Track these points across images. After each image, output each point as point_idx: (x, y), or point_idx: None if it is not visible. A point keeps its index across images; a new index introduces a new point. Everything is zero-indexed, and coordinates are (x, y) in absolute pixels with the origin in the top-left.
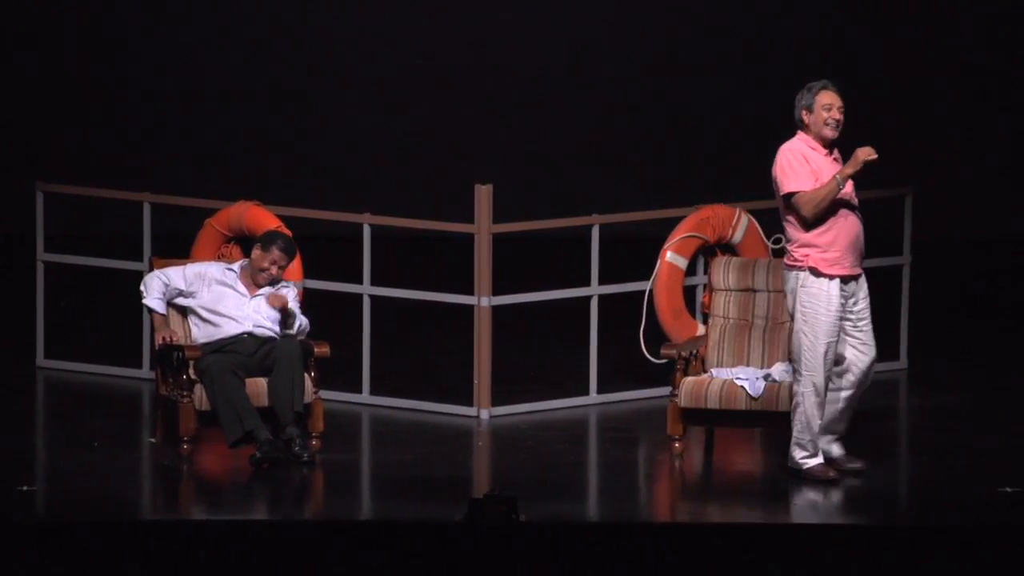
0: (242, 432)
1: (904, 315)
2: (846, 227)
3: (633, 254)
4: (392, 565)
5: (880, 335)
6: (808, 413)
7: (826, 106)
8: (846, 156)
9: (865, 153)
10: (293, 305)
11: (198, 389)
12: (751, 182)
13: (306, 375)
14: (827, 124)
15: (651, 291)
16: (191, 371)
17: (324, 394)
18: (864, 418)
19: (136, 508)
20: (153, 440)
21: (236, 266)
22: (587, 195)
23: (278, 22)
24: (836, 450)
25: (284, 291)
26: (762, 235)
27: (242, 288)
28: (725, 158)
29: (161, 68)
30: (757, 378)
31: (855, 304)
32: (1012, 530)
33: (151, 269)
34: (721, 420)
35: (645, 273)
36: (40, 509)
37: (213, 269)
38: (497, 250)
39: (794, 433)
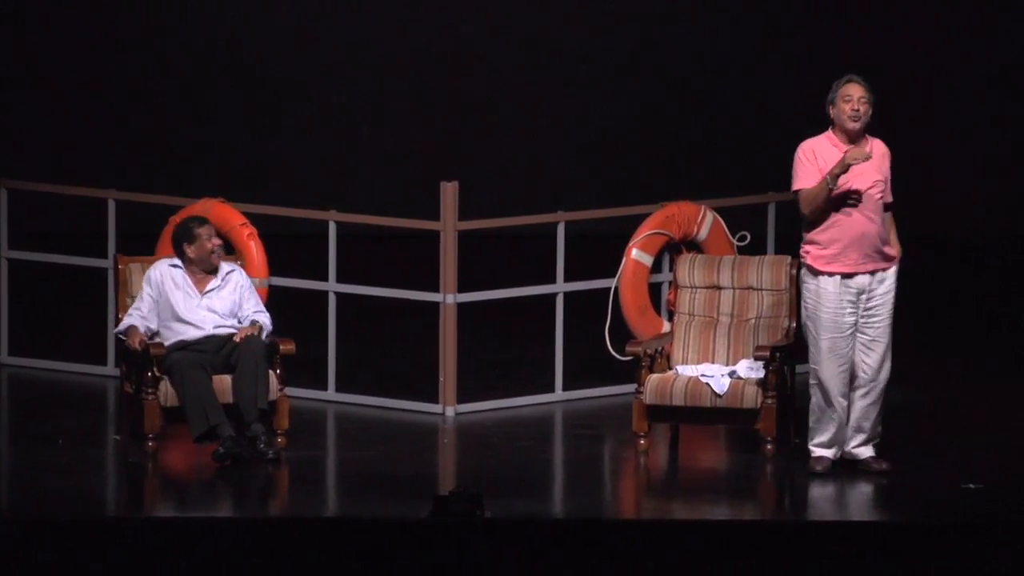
0: (207, 427)
1: None
2: (849, 225)
3: (599, 251)
4: (357, 562)
5: None
6: (817, 405)
7: (847, 97)
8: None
9: (851, 155)
10: (258, 314)
11: (163, 386)
12: (716, 180)
13: (271, 372)
14: (849, 116)
15: (617, 288)
16: (156, 368)
17: (289, 391)
18: None
19: (101, 505)
20: (118, 437)
21: (179, 262)
22: (553, 192)
23: (244, 19)
24: (864, 452)
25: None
26: (727, 232)
27: (192, 288)
28: (691, 156)
29: (126, 66)
30: (722, 375)
31: (869, 301)
32: (975, 527)
33: (116, 266)
34: (686, 417)
35: (611, 270)
36: (4, 506)
37: (160, 273)
38: (463, 247)
39: (810, 423)
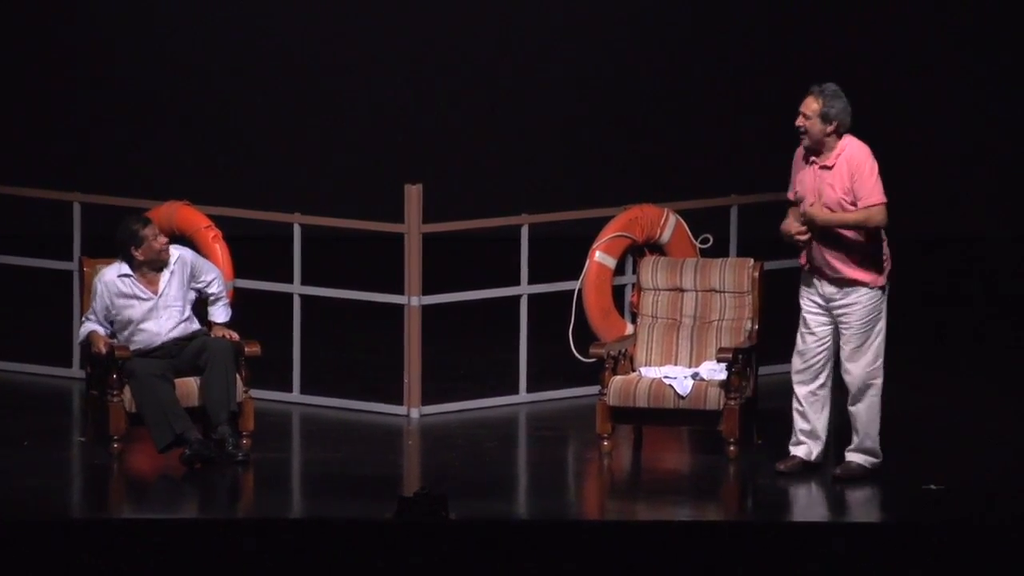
0: (173, 436)
1: None
2: (812, 243)
3: (562, 254)
4: (322, 563)
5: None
6: (792, 396)
7: (798, 112)
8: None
9: (784, 229)
10: (218, 291)
11: (128, 388)
12: (679, 183)
13: (237, 374)
14: (799, 131)
15: (580, 290)
16: (120, 371)
17: (254, 393)
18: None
19: (66, 507)
20: (83, 439)
21: (127, 268)
22: (517, 195)
23: (210, 20)
24: (852, 456)
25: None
26: (690, 235)
27: (144, 291)
28: (654, 159)
29: (91, 67)
30: (685, 377)
31: (836, 311)
32: (934, 527)
33: (81, 269)
34: (649, 419)
35: (574, 273)
36: None
37: (107, 284)
38: (427, 250)
39: None
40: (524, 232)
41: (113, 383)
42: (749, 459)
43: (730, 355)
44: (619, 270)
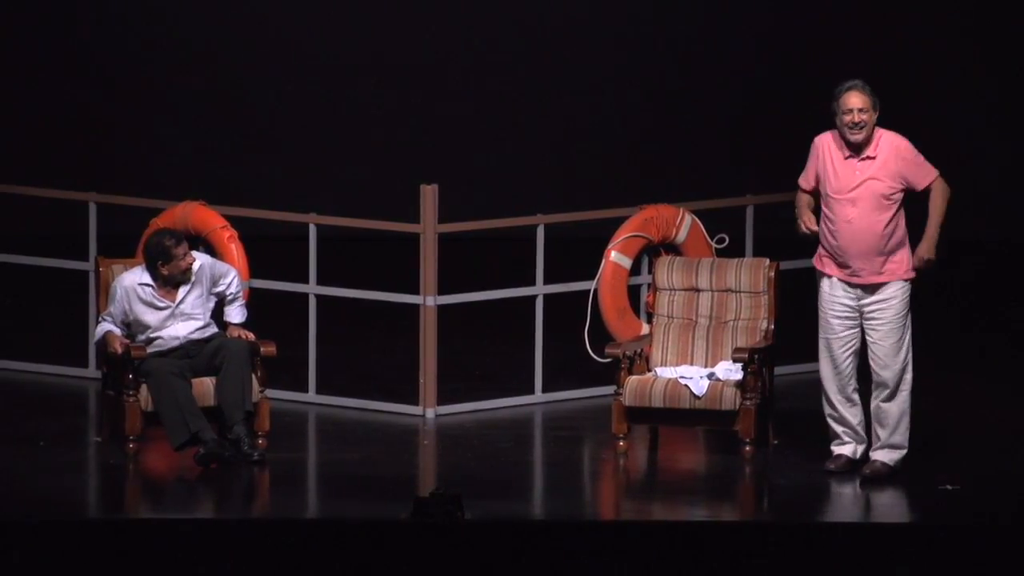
0: (188, 435)
1: None
2: (845, 234)
3: (578, 254)
4: (337, 563)
5: None
6: (824, 403)
7: (846, 110)
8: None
9: (804, 227)
10: (235, 296)
11: (144, 388)
12: (695, 182)
13: (252, 374)
14: (848, 129)
15: (596, 291)
16: (137, 371)
17: (270, 393)
18: (808, 415)
19: (82, 507)
20: (99, 439)
21: (147, 277)
22: (532, 195)
23: (227, 21)
24: (874, 453)
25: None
26: (705, 235)
27: (162, 300)
28: (670, 159)
29: (107, 68)
30: (701, 377)
31: (865, 306)
32: (956, 529)
33: (97, 269)
34: (665, 419)
35: (590, 273)
36: None
37: (127, 289)
38: (443, 250)
39: None
40: (540, 232)
41: (129, 383)
42: (765, 459)
43: (746, 355)
44: (635, 270)
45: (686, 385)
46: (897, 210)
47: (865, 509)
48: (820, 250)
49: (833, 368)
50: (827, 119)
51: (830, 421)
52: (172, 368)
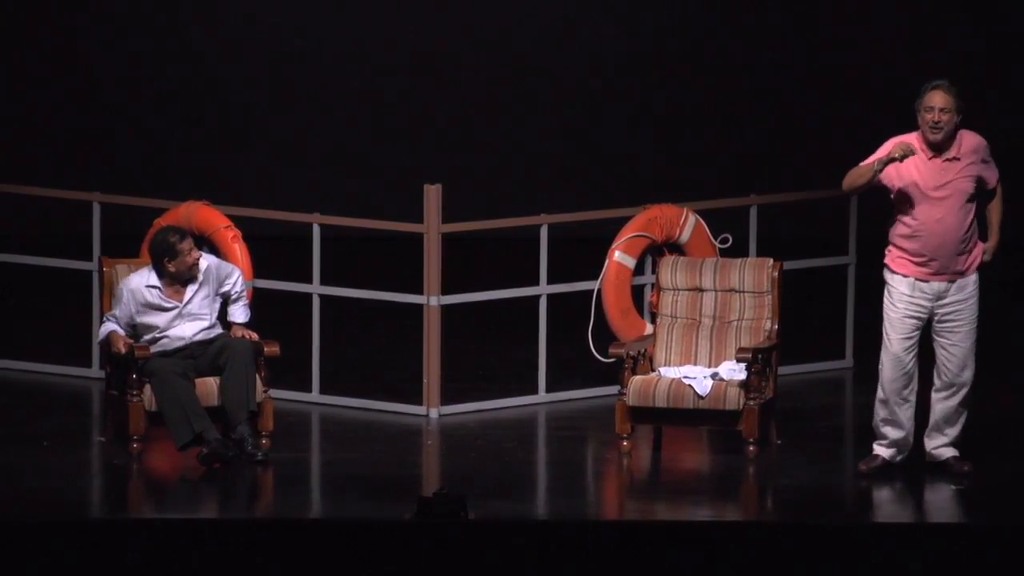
0: (192, 434)
1: (849, 314)
2: (936, 233)
3: (582, 254)
4: (341, 563)
5: (827, 334)
6: (877, 403)
7: (928, 107)
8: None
9: (897, 150)
10: (242, 312)
11: (148, 388)
12: (699, 182)
13: (256, 374)
14: (929, 127)
15: (599, 290)
16: (140, 371)
17: (273, 393)
18: (812, 415)
19: (86, 507)
20: (103, 439)
21: (155, 278)
22: (536, 195)
23: (230, 21)
24: (946, 453)
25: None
26: (709, 235)
27: (168, 301)
28: (673, 158)
29: (111, 68)
30: (705, 377)
31: (942, 307)
32: (967, 529)
33: (100, 269)
34: (669, 419)
35: (594, 273)
36: None
37: (133, 292)
38: (447, 250)
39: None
40: (543, 232)
41: (133, 383)
42: (769, 459)
43: (749, 355)
44: (638, 270)
45: (690, 385)
46: (975, 207)
47: (870, 509)
48: (893, 251)
49: (899, 369)
50: (827, 119)
51: (879, 423)
52: (176, 368)
